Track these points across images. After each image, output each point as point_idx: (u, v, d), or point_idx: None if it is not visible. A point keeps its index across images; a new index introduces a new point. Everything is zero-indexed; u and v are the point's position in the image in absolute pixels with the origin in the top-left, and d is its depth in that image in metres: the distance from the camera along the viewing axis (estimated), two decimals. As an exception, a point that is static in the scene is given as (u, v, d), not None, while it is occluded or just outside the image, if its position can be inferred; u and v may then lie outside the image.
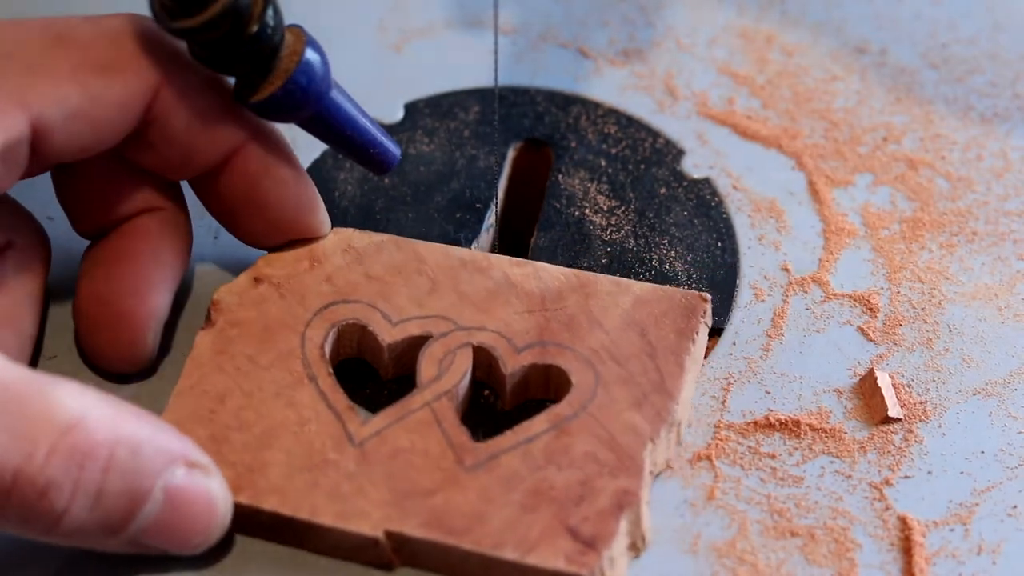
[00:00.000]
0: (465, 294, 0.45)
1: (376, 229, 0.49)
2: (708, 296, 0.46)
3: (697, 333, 0.45)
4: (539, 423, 0.42)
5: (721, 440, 0.44)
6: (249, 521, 0.41)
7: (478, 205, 0.52)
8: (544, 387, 0.45)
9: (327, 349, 0.44)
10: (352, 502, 0.40)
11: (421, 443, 0.42)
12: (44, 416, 0.37)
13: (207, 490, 0.39)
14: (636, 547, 0.41)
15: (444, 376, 0.43)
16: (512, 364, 0.44)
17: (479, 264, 0.46)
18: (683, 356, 0.44)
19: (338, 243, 0.46)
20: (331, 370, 0.43)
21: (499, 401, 0.45)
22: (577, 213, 0.51)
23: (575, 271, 0.46)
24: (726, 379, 0.46)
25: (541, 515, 0.40)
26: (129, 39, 0.42)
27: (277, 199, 0.45)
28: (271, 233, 0.46)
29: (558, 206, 0.52)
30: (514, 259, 0.46)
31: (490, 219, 0.51)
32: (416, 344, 0.44)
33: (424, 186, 0.52)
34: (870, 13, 0.59)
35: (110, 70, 0.42)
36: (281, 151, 0.45)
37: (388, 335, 0.44)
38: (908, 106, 0.56)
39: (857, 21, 0.59)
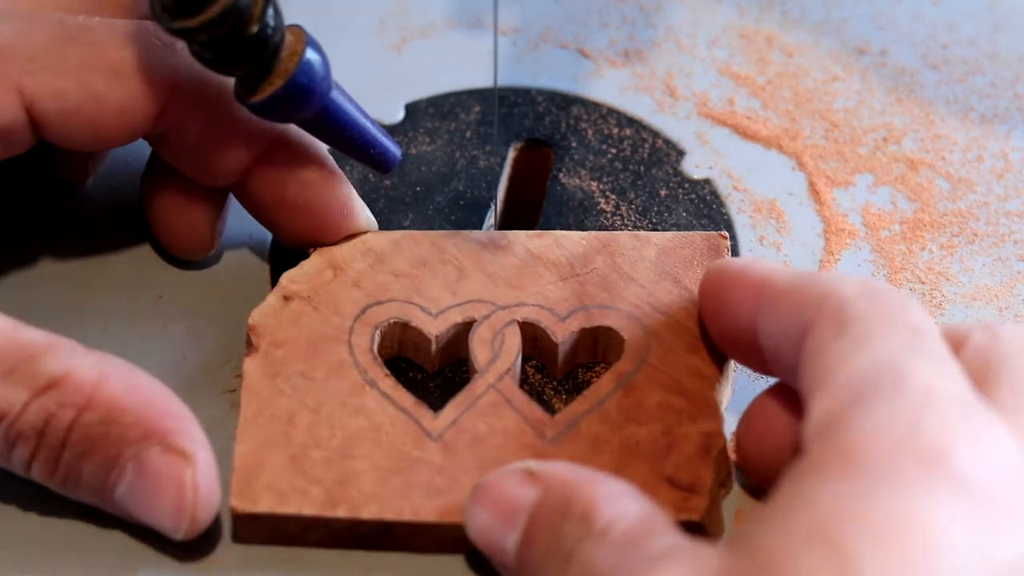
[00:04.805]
0: (495, 274, 0.46)
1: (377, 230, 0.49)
2: (727, 234, 0.47)
3: None
4: (606, 384, 0.43)
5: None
6: (348, 534, 0.41)
7: (479, 205, 0.52)
8: (592, 350, 0.45)
9: (375, 352, 0.44)
10: (450, 495, 0.40)
11: (498, 425, 0.42)
12: (29, 373, 0.39)
13: (177, 477, 0.39)
14: (726, 484, 0.42)
15: (500, 357, 0.44)
16: (561, 333, 0.44)
17: (499, 243, 0.47)
18: None
19: (355, 247, 0.46)
20: (388, 371, 0.43)
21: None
22: (578, 214, 0.51)
23: (593, 232, 0.47)
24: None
25: (636, 471, 0.41)
26: (142, 46, 0.43)
27: (306, 202, 0.45)
28: (309, 235, 0.46)
29: (559, 207, 0.52)
30: (531, 232, 0.47)
31: (490, 219, 0.51)
32: (462, 331, 0.45)
33: (425, 186, 0.52)
34: (870, 14, 0.59)
35: (116, 74, 0.42)
36: (307, 153, 0.45)
37: (433, 327, 0.45)
38: (908, 107, 0.56)
39: (857, 22, 0.59)
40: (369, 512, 0.40)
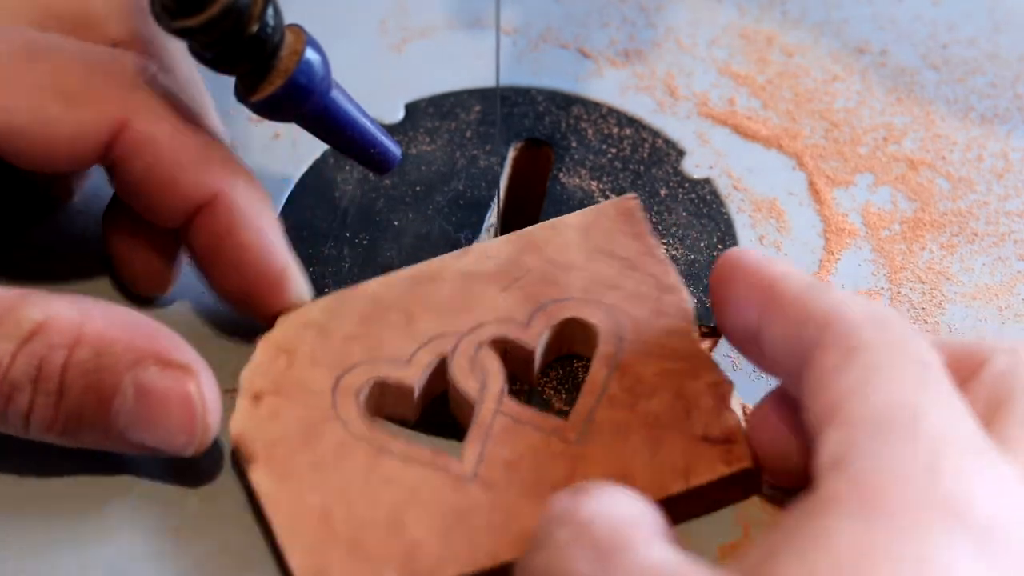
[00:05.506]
0: (439, 305, 0.44)
1: (377, 229, 0.49)
2: (635, 194, 0.47)
3: (649, 229, 0.46)
4: (598, 371, 0.43)
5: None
6: None
7: (479, 205, 0.52)
8: (557, 347, 0.45)
9: (367, 416, 0.43)
10: (512, 527, 0.40)
11: (522, 444, 0.42)
12: (10, 324, 0.39)
13: (182, 390, 0.39)
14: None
15: (489, 381, 0.43)
16: (532, 339, 0.44)
17: (429, 275, 0.45)
18: (656, 251, 0.45)
19: (293, 326, 0.44)
20: (391, 432, 0.42)
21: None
22: (577, 213, 0.51)
23: (508, 235, 0.46)
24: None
25: (670, 441, 0.41)
26: (105, 74, 0.42)
27: (239, 265, 0.44)
28: (239, 297, 0.44)
29: (559, 206, 0.52)
30: (452, 253, 0.46)
31: (491, 219, 0.51)
32: (438, 371, 0.44)
33: (425, 186, 0.52)
34: (870, 14, 0.59)
35: (69, 100, 0.42)
36: (250, 215, 0.44)
37: (410, 376, 0.43)
38: (908, 107, 0.56)
39: (857, 22, 0.59)
40: (451, 571, 0.39)
